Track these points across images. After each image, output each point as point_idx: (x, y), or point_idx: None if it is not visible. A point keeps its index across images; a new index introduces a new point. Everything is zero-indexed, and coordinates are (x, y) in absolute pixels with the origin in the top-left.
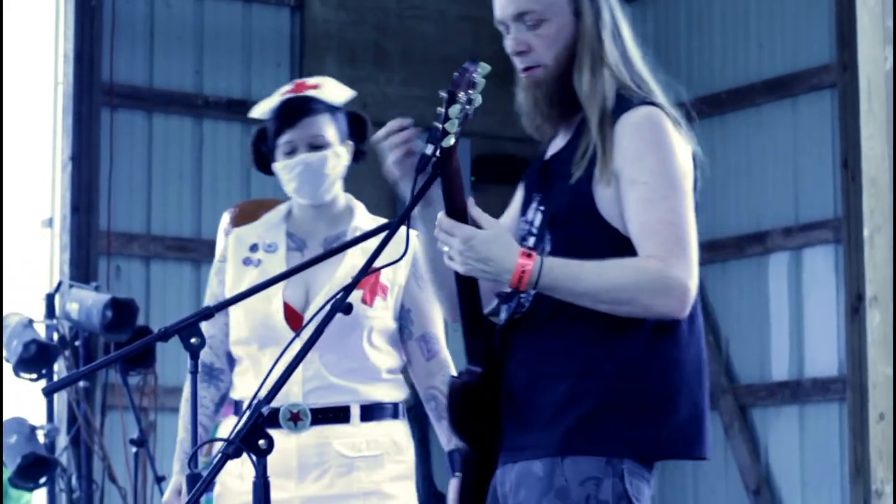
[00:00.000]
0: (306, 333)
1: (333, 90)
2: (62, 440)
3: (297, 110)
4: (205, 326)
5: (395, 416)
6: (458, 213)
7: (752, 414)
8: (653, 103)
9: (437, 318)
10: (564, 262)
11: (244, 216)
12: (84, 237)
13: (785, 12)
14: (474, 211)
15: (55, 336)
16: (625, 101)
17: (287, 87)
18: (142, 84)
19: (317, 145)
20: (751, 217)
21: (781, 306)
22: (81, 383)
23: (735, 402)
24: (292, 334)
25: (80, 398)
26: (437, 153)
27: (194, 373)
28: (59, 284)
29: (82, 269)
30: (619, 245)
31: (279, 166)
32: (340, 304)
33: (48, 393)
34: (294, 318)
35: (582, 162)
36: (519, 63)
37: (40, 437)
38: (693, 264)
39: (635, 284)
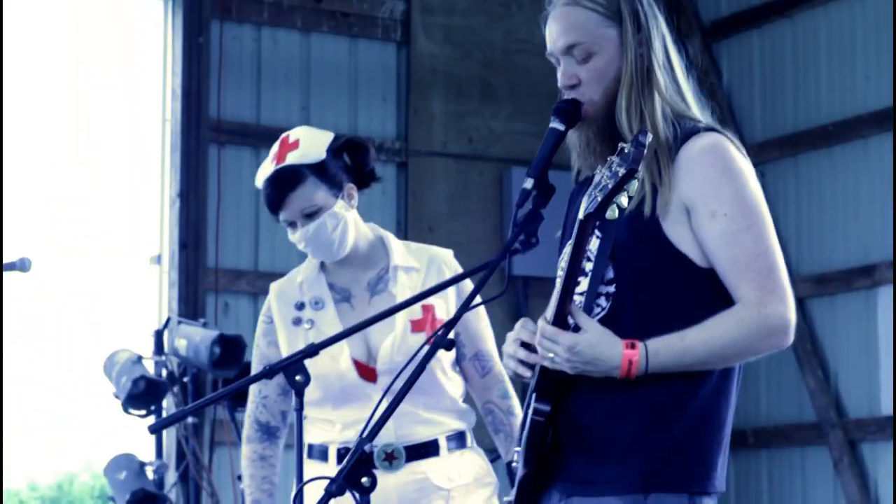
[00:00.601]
0: (404, 374)
1: (311, 145)
2: (171, 476)
3: (279, 192)
4: (258, 387)
5: (468, 442)
6: (563, 316)
7: (862, 448)
8: (717, 130)
9: (486, 334)
10: (667, 341)
11: None
12: (192, 274)
13: (892, 42)
14: (571, 308)
15: (164, 372)
16: (685, 128)
17: (274, 150)
18: (249, 120)
19: (310, 214)
20: (858, 250)
21: (889, 339)
22: (190, 419)
23: (844, 436)
24: (370, 387)
25: (189, 434)
26: (587, 221)
27: (299, 410)
28: (168, 321)
29: (190, 305)
30: (689, 273)
31: (291, 239)
32: (443, 341)
33: (155, 430)
34: (365, 372)
35: (642, 191)
36: (567, 95)
37: (149, 473)
38: (788, 292)
39: (741, 339)
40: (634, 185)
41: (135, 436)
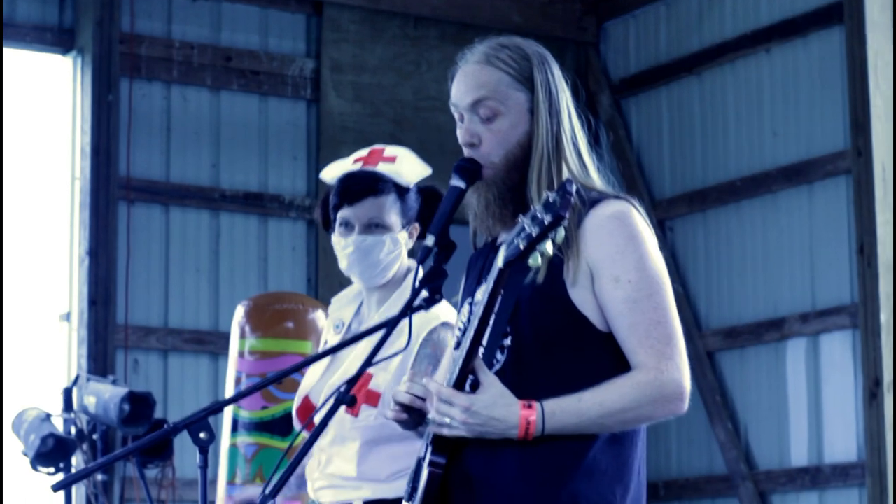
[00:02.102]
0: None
1: (408, 168)
2: None
3: (361, 189)
4: None
5: None
6: (464, 373)
7: (772, 500)
8: (623, 198)
9: None
10: (563, 402)
11: (258, 310)
12: (101, 331)
13: (799, 99)
14: (476, 364)
15: (73, 430)
16: (591, 196)
17: (362, 154)
18: (159, 178)
19: (373, 225)
20: (768, 304)
21: (799, 392)
22: (99, 476)
23: (755, 488)
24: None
25: (99, 492)
26: (507, 268)
27: (203, 468)
28: (77, 378)
29: (100, 362)
30: (589, 336)
31: (334, 240)
32: (344, 398)
33: (59, 488)
34: (306, 411)
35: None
36: (467, 153)
37: None
38: (683, 358)
39: (637, 402)
40: (561, 233)
41: (43, 494)
